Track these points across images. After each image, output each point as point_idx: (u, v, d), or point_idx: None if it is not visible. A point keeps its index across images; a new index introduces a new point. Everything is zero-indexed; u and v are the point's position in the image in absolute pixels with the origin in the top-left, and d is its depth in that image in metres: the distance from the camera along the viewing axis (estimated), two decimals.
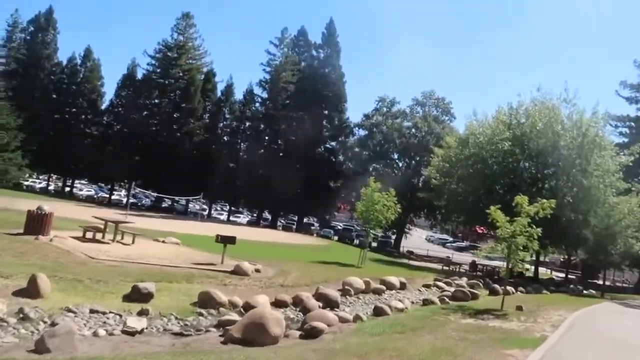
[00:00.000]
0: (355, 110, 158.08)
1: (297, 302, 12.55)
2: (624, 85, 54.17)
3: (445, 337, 9.34)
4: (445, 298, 17.78)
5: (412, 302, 16.34)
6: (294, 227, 61.62)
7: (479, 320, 12.20)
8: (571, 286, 33.35)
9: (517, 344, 9.06)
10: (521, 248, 15.41)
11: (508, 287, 24.14)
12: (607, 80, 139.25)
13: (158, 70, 62.89)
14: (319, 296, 13.34)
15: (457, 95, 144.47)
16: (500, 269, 42.18)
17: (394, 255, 46.93)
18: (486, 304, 16.17)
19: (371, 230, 24.88)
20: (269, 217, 67.35)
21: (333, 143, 61.40)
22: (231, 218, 67.51)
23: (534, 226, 15.61)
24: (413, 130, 58.25)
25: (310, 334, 9.23)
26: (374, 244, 58.46)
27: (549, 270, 57.55)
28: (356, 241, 57.45)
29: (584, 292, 32.28)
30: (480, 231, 66.68)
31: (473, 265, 35.86)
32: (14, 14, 64.27)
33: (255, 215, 69.00)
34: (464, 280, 24.66)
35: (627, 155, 34.04)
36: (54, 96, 62.30)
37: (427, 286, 20.92)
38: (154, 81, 62.55)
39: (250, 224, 63.13)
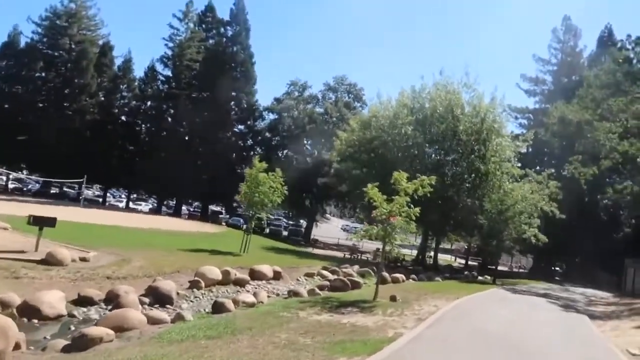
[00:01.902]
0: (266, 93, 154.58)
1: (112, 298, 9.93)
2: (524, 78, 56.22)
3: (269, 342, 7.27)
4: (320, 288, 15.91)
5: (277, 295, 14.26)
6: (200, 215, 58.15)
7: (336, 315, 10.34)
8: (466, 273, 33.36)
9: (354, 348, 7.19)
10: (398, 230, 13.83)
11: (398, 275, 23.05)
12: (507, 72, 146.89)
13: (44, 39, 55.96)
14: (148, 290, 10.79)
15: (369, 81, 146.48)
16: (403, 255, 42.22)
17: (299, 245, 45.18)
18: (360, 295, 14.52)
19: (256, 214, 22.51)
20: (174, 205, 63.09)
21: (241, 127, 58.28)
22: (131, 206, 62.43)
23: (412, 206, 14.07)
24: (325, 116, 56.71)
25: (78, 345, 6.71)
26: (285, 233, 56.78)
27: (453, 258, 58.94)
28: (267, 230, 55.31)
29: (479, 278, 32.37)
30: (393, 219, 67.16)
31: (353, 249, 34.73)
32: None
33: (162, 204, 64.45)
34: (355, 268, 23.21)
35: (522, 141, 34.48)
36: None
37: (309, 275, 19.10)
38: (39, 51, 55.60)
39: (152, 212, 58.68)
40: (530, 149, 48.03)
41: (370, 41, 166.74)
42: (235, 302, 11.17)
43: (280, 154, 58.03)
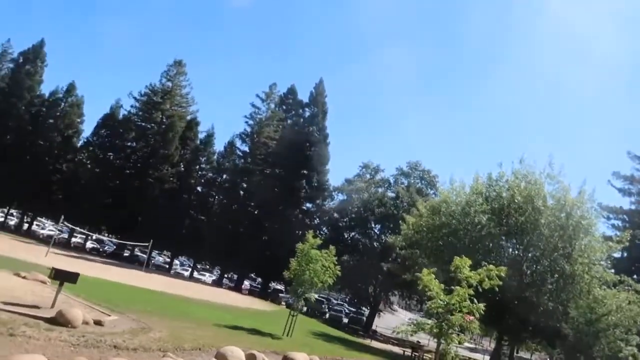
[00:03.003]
0: (337, 173, 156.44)
1: None
2: (617, 175, 51.59)
3: None
4: None
5: None
6: (259, 291, 56.86)
7: None
8: None
9: None
10: (456, 329, 11.52)
11: None
12: (597, 168, 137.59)
13: (140, 112, 60.98)
14: None
15: (443, 168, 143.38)
16: (470, 359, 37.38)
17: (357, 334, 41.86)
18: None
19: (304, 293, 20.63)
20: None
21: (309, 205, 57.90)
22: (196, 275, 62.78)
23: (476, 301, 11.78)
24: (396, 201, 55.01)
25: None
26: (345, 320, 53.58)
27: None
28: (327, 315, 52.56)
29: None
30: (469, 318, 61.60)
31: (415, 347, 30.48)
32: (5, 43, 63.86)
33: (224, 276, 64.35)
34: None
35: (617, 242, 30.34)
36: (29, 128, 59.93)
37: None
38: (133, 123, 60.51)
39: (214, 283, 58.44)
40: (625, 254, 42.64)
41: (446, 127, 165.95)
42: None
43: (346, 236, 56.48)
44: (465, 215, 30.75)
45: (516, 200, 29.48)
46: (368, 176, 58.11)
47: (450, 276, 12.99)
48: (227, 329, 17.05)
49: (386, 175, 58.29)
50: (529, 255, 31.15)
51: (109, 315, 12.11)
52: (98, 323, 11.19)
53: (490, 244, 30.62)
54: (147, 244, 45.25)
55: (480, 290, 12.17)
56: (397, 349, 33.63)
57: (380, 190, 57.53)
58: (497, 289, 12.56)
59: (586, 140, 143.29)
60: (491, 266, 12.66)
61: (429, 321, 11.89)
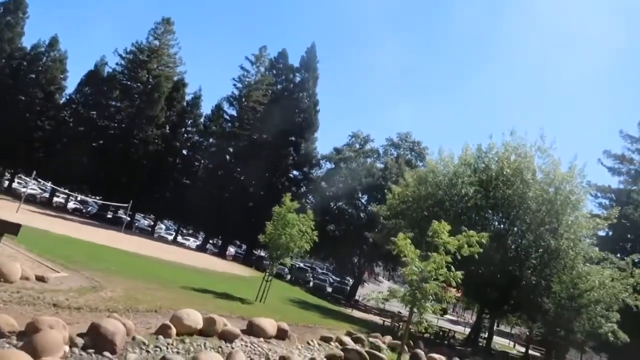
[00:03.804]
0: (326, 142, 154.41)
1: (29, 333, 7.62)
2: (608, 154, 50.81)
3: None
4: (329, 359, 12.86)
5: (267, 358, 11.38)
6: (243, 258, 56.40)
7: None
8: None
9: None
10: (430, 297, 10.76)
11: (436, 356, 19.24)
12: (588, 145, 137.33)
13: (125, 71, 58.94)
14: (89, 330, 8.42)
15: (434, 141, 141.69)
16: (451, 331, 37.20)
17: (339, 304, 41.55)
18: None
19: (279, 258, 19.82)
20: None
21: (296, 172, 56.90)
22: (180, 240, 62.04)
23: (453, 269, 10.98)
24: (385, 171, 54.14)
25: None
26: (329, 289, 53.39)
27: (512, 343, 52.29)
28: (311, 284, 52.32)
29: None
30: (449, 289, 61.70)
31: (395, 317, 30.05)
32: None
33: (208, 241, 63.71)
34: (387, 339, 19.73)
35: (604, 219, 29.79)
36: (10, 82, 57.68)
37: (326, 340, 15.97)
38: (118, 81, 58.54)
39: (198, 249, 57.79)
40: (611, 233, 42.34)
41: (439, 98, 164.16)
42: None
43: (333, 206, 55.79)
44: (452, 186, 29.98)
45: (505, 173, 28.71)
46: (357, 146, 57.03)
47: (433, 245, 12.19)
48: (194, 292, 16.25)
49: (376, 145, 57.36)
50: (515, 229, 30.60)
51: (58, 272, 11.19)
52: (41, 279, 10.27)
53: (476, 217, 29.96)
54: (126, 205, 44.10)
55: (459, 257, 11.36)
56: (377, 319, 33.29)
57: (369, 160, 56.62)
58: (477, 257, 11.76)
59: (579, 119, 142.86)
60: (472, 232, 11.83)
61: (402, 289, 11.11)
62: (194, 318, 10.94)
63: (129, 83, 59.07)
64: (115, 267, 15.99)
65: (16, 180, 63.84)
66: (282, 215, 19.34)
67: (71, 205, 61.79)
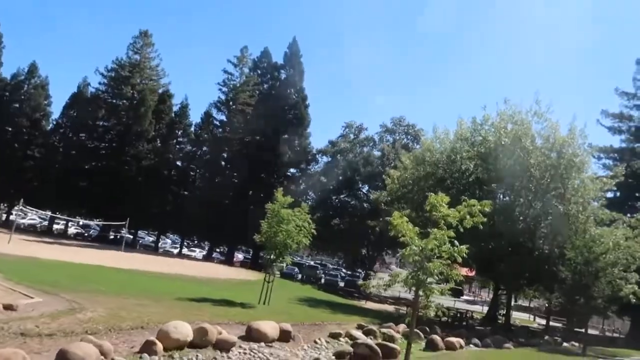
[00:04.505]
0: (320, 136, 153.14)
1: None
2: (606, 114, 49.91)
3: None
4: (339, 357, 11.99)
5: None
6: (250, 263, 55.49)
7: None
8: (546, 337, 27.36)
9: None
10: (436, 277, 9.86)
11: (454, 339, 18.34)
12: (585, 107, 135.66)
13: (109, 89, 58.06)
14: (58, 357, 7.56)
15: (428, 122, 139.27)
16: (469, 312, 36.34)
17: (352, 297, 40.63)
18: None
19: (278, 257, 18.93)
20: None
21: (293, 170, 55.96)
22: (186, 252, 61.26)
23: (457, 243, 10.07)
24: (382, 159, 53.21)
25: None
26: (341, 284, 52.56)
27: (532, 317, 51.42)
28: (322, 280, 51.48)
29: (564, 345, 26.33)
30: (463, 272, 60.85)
31: (410, 304, 29.08)
32: None
33: (215, 250, 62.88)
34: (401, 328, 18.85)
35: (611, 178, 28.86)
36: None
37: (334, 336, 15.11)
38: (103, 100, 57.65)
39: (204, 258, 56.98)
40: (619, 194, 41.44)
41: (427, 77, 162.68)
42: None
43: (334, 199, 54.94)
44: (451, 162, 29.11)
45: (503, 143, 27.80)
46: (352, 136, 56.17)
47: (432, 221, 11.29)
48: (190, 302, 15.38)
49: (370, 133, 56.51)
50: (521, 199, 29.72)
51: (32, 298, 10.31)
52: (9, 307, 9.41)
53: (479, 191, 29.01)
54: (123, 223, 43.31)
55: (463, 231, 10.44)
56: (391, 309, 32.41)
57: (365, 149, 55.76)
58: (483, 228, 10.88)
59: (572, 80, 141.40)
60: (473, 200, 10.90)
61: (403, 272, 10.24)
62: (182, 330, 10.06)
63: (114, 101, 58.20)
64: (104, 287, 15.14)
65: (14, 212, 63.07)
66: (276, 211, 18.46)
67: (72, 230, 60.99)
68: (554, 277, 26.81)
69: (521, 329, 32.57)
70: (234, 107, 55.53)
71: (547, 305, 45.29)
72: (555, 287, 28.31)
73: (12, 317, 9.15)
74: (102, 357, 7.98)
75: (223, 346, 10.64)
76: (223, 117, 57.16)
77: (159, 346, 9.30)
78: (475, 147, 29.29)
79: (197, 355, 9.81)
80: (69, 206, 57.20)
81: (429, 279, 10.02)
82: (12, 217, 61.03)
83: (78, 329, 9.24)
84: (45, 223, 63.39)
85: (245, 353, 10.85)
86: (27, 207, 44.45)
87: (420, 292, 10.05)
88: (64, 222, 59.75)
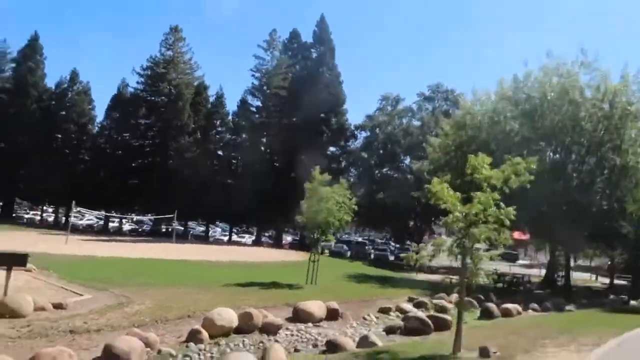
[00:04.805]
0: (357, 111, 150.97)
1: None
2: None
3: None
4: (390, 331, 11.70)
5: (315, 346, 10.33)
6: (299, 244, 56.01)
7: None
8: (611, 297, 26.04)
9: None
10: (484, 244, 9.30)
11: (510, 306, 17.65)
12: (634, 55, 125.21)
13: (146, 87, 59.35)
14: (104, 352, 7.64)
15: (466, 86, 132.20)
16: (526, 277, 35.12)
17: (402, 270, 40.17)
18: (434, 346, 10.02)
19: (324, 237, 18.80)
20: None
21: (333, 148, 55.50)
22: (236, 238, 62.56)
23: (503, 205, 9.44)
24: (423, 128, 51.84)
25: None
26: (392, 258, 52.22)
27: (594, 277, 49.29)
28: (372, 256, 51.35)
29: (632, 303, 24.98)
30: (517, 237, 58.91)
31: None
32: (1, 44, 62.57)
33: (264, 234, 63.91)
34: (453, 298, 18.34)
35: None
36: (43, 124, 59.39)
37: (384, 311, 14.86)
38: (142, 99, 59.03)
39: (254, 243, 58.03)
40: None
41: (464, 39, 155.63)
42: None
43: (377, 174, 54.23)
44: (494, 124, 27.82)
45: (549, 98, 26.27)
46: (389, 108, 54.93)
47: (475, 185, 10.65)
48: (237, 288, 15.49)
49: (408, 103, 54.94)
50: (573, 156, 28.16)
51: (82, 295, 10.56)
52: (58, 306, 9.66)
53: (526, 151, 27.55)
54: (172, 216, 44.53)
55: (508, 192, 9.78)
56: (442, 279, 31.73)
57: (404, 120, 54.53)
58: (531, 188, 10.17)
59: (620, 24, 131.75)
60: (517, 158, 10.18)
61: (448, 240, 9.75)
62: (227, 317, 10.04)
63: (152, 98, 59.41)
64: (154, 280, 15.46)
65: (72, 214, 66.30)
66: (315, 190, 18.22)
67: (127, 227, 63.45)
68: (615, 233, 25.39)
69: (583, 289, 31.21)
70: (268, 91, 55.48)
71: (609, 263, 43.22)
72: (617, 243, 26.80)
73: (62, 315, 9.39)
74: (148, 348, 8.02)
75: (269, 329, 10.58)
76: (259, 103, 57.29)
77: (204, 334, 9.31)
78: (519, 105, 27.81)
79: (243, 341, 9.78)
80: (122, 204, 59.39)
81: (476, 245, 9.49)
82: (71, 220, 64.46)
83: (125, 322, 9.38)
84: (102, 222, 66.38)
85: (292, 334, 10.76)
86: (82, 209, 46.38)
87: (468, 260, 9.56)
88: (119, 219, 62.26)
